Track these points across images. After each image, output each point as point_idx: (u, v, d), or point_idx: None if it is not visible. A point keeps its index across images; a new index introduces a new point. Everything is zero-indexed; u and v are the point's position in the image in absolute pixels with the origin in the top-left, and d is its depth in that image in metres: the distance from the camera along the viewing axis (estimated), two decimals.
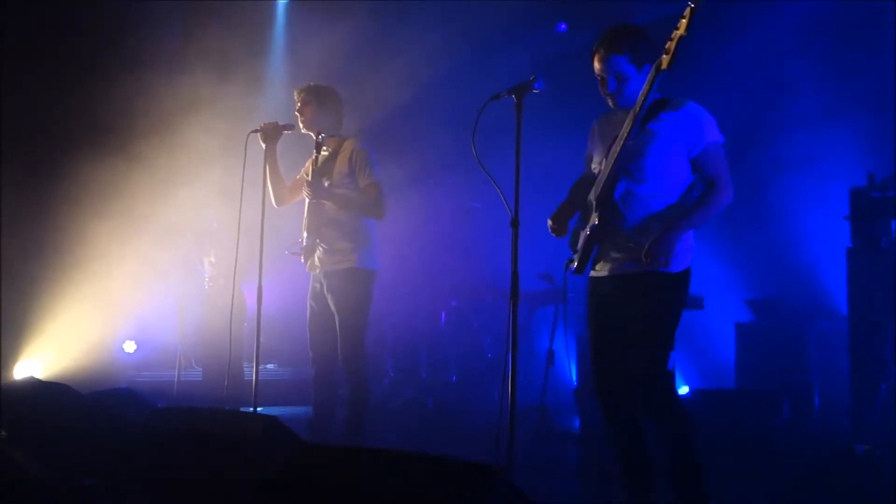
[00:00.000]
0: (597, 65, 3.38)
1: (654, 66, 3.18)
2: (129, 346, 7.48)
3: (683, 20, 3.06)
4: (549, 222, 3.56)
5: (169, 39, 6.89)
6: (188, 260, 6.76)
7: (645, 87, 3.20)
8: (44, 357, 6.47)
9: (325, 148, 4.50)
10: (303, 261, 4.63)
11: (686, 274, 3.35)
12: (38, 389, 4.05)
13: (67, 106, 6.64)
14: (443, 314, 7.50)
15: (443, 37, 7.27)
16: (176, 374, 6.78)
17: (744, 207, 6.49)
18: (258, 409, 4.24)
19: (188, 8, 7.00)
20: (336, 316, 4.47)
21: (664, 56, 3.13)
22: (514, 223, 3.14)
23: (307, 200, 4.64)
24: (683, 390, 6.44)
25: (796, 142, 6.28)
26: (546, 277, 6.32)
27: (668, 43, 3.12)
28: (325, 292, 4.51)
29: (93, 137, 6.50)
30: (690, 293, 5.30)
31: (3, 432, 3.71)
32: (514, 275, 3.10)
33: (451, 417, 6.59)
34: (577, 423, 6.14)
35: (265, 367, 7.91)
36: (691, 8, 3.04)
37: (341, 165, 4.47)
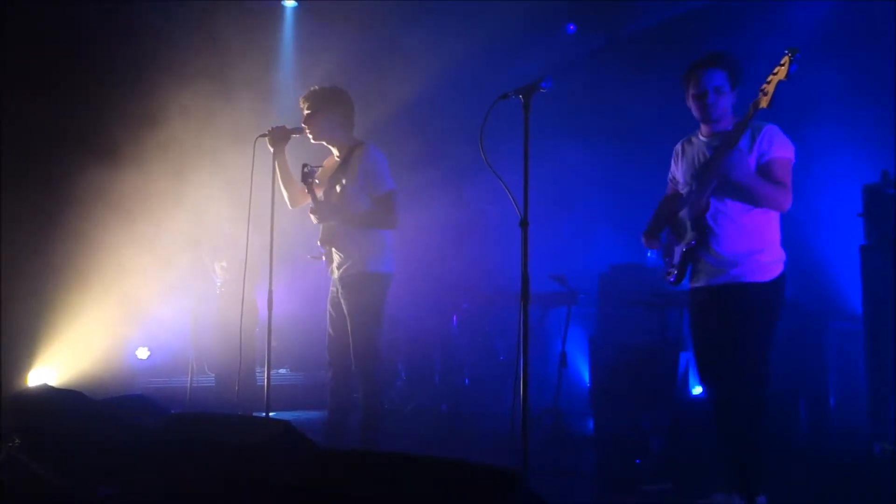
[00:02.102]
0: (695, 82, 3.70)
1: (752, 104, 3.43)
2: (143, 353, 7.50)
3: (782, 67, 3.35)
4: (644, 238, 3.95)
5: (177, 47, 6.90)
6: (201, 266, 6.78)
7: (744, 120, 3.47)
8: (57, 364, 6.49)
9: (315, 180, 4.41)
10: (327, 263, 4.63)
11: (778, 281, 3.65)
12: (52, 396, 4.06)
13: (80, 114, 6.67)
14: (455, 317, 7.49)
15: (454, 39, 7.27)
16: (189, 379, 6.79)
17: None
18: (271, 413, 4.24)
19: (197, 15, 7.01)
20: (348, 320, 4.46)
21: (762, 96, 3.39)
22: (524, 224, 3.13)
23: None
24: (697, 391, 6.40)
25: (809, 139, 6.23)
26: (558, 279, 6.29)
27: (765, 85, 3.39)
28: (340, 297, 4.50)
29: (106, 146, 6.51)
30: None
31: (16, 440, 3.72)
32: (525, 276, 3.09)
33: (465, 421, 6.58)
34: (591, 424, 6.11)
35: (277, 372, 7.92)
36: (789, 56, 3.33)
37: (353, 175, 4.41)
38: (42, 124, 6.47)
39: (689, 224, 3.73)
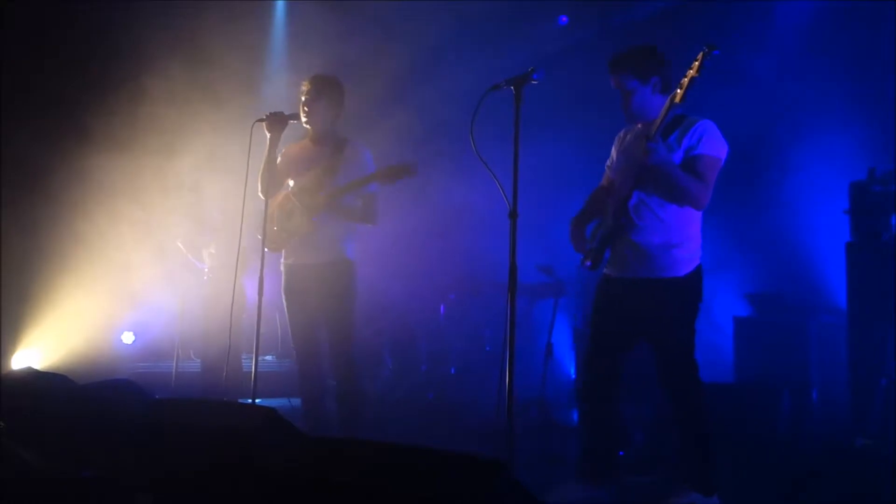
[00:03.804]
0: (611, 82, 3.76)
1: (669, 98, 3.45)
2: (128, 337, 7.47)
3: (696, 63, 3.32)
4: (572, 240, 3.89)
5: (169, 36, 6.84)
6: (188, 251, 6.75)
7: (661, 114, 3.48)
8: (42, 347, 6.47)
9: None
10: (269, 249, 4.49)
11: (694, 275, 3.66)
12: (37, 380, 4.04)
13: (67, 98, 6.62)
14: (442, 307, 7.50)
15: (445, 29, 7.24)
16: (174, 365, 6.77)
17: (743, 201, 6.50)
18: (256, 400, 4.23)
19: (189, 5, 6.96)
20: (326, 307, 4.46)
21: (678, 90, 3.40)
22: (513, 215, 3.14)
23: (293, 191, 4.57)
24: None
25: (797, 136, 6.27)
26: (545, 270, 6.31)
27: (683, 80, 3.38)
28: (309, 284, 4.48)
29: (93, 128, 6.47)
30: None
31: (1, 423, 3.70)
32: (512, 267, 3.10)
33: (451, 410, 6.59)
34: (575, 415, 6.14)
35: (263, 359, 7.91)
36: (703, 52, 3.30)
37: (348, 172, 4.42)
38: (26, 108, 6.42)
39: (611, 211, 3.73)
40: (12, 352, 6.40)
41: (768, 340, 5.78)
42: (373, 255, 4.92)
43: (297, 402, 5.79)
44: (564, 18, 8.18)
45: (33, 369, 4.52)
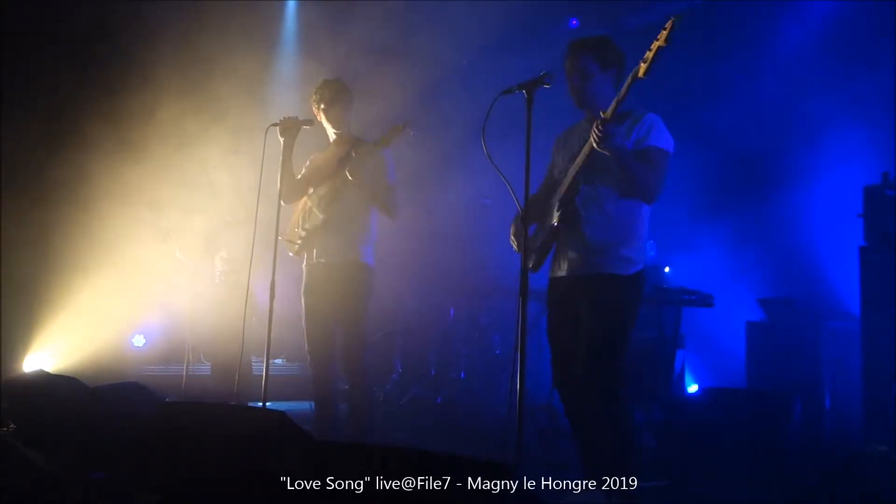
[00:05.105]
0: (567, 63, 3.62)
1: (631, 73, 3.26)
2: (139, 340, 7.49)
3: (664, 31, 3.14)
4: (515, 238, 3.68)
5: (176, 36, 6.86)
6: (199, 255, 6.74)
7: (621, 92, 3.30)
8: (53, 350, 6.48)
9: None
10: (293, 253, 4.59)
11: (640, 276, 3.55)
12: (47, 382, 4.06)
13: (75, 100, 6.64)
14: (452, 311, 7.49)
15: (456, 33, 7.24)
16: (184, 368, 6.78)
17: (757, 205, 6.47)
18: (266, 404, 4.23)
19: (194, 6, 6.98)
20: (338, 309, 4.47)
21: (642, 64, 3.20)
22: (524, 219, 3.13)
23: (313, 193, 4.59)
24: (693, 389, 6.41)
25: (810, 140, 6.24)
26: None
27: (647, 53, 3.19)
28: (326, 284, 4.49)
29: (106, 130, 6.49)
30: (701, 290, 5.35)
31: (11, 425, 3.72)
32: (524, 271, 3.10)
33: (459, 414, 6.58)
34: None
35: (273, 362, 7.89)
36: (674, 21, 3.13)
37: (367, 169, 4.46)
38: (35, 111, 6.45)
39: (556, 205, 3.59)
40: (24, 355, 6.42)
41: (781, 345, 5.75)
42: (383, 259, 4.92)
43: (298, 406, 5.80)
44: (575, 21, 8.18)
45: (44, 372, 4.55)
